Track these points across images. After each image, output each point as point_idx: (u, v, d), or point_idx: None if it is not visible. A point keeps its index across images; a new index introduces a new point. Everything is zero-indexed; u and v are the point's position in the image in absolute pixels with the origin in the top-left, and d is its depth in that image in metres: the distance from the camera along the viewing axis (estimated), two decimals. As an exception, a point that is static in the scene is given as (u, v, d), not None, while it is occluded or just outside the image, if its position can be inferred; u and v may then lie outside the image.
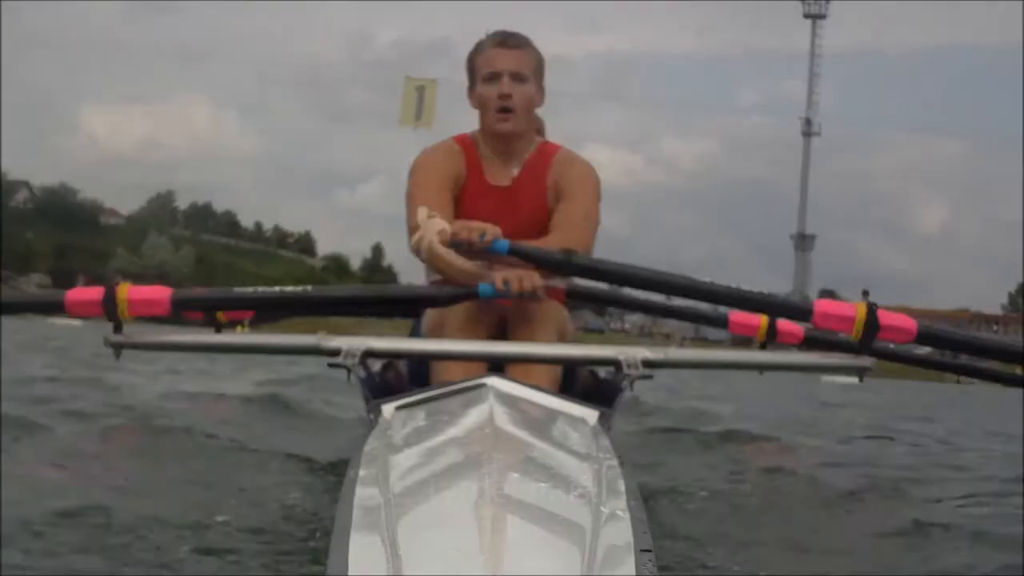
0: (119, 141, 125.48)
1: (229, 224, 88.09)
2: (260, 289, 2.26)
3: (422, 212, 2.36)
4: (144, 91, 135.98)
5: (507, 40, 2.60)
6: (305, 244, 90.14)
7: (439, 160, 2.61)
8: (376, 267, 75.30)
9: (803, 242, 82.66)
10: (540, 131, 2.78)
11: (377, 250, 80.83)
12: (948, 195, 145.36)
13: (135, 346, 2.19)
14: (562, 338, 2.45)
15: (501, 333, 2.40)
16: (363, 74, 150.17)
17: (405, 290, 2.49)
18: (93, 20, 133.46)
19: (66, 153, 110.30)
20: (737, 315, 3.05)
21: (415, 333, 2.65)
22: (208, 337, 2.72)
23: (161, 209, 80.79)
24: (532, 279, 2.22)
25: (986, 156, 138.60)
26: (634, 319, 58.18)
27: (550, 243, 2.36)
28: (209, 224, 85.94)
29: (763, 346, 3.04)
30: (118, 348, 2.18)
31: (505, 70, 2.55)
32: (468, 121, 2.66)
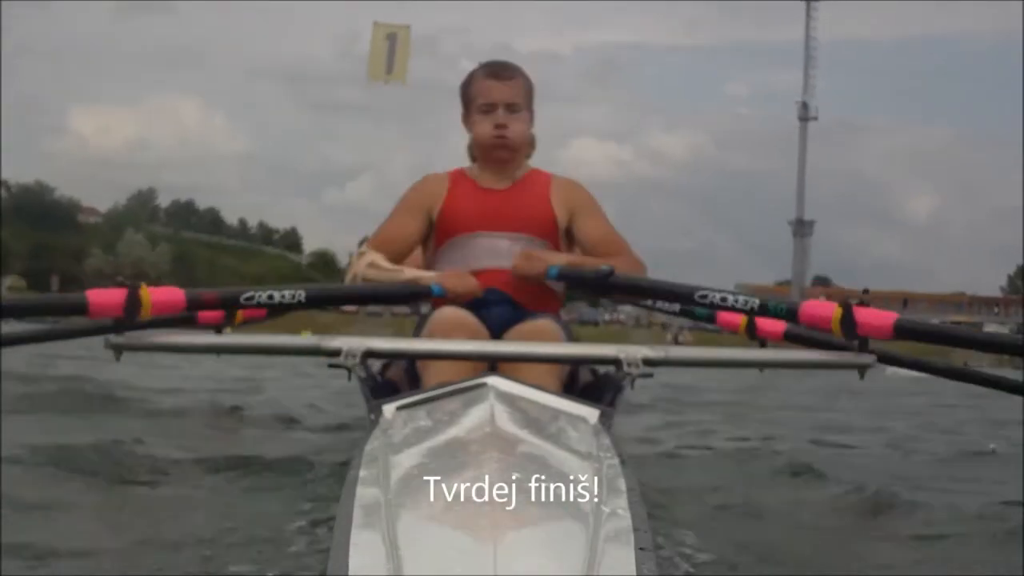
0: (108, 142, 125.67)
1: (212, 221, 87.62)
2: (256, 288, 2.27)
3: (374, 257, 2.53)
4: (133, 92, 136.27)
5: (500, 72, 2.75)
6: (291, 240, 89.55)
7: (424, 185, 2.76)
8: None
9: (801, 228, 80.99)
10: (531, 144, 2.90)
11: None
12: (938, 182, 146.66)
13: (136, 347, 2.20)
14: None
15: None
16: (352, 72, 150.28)
17: (378, 287, 2.54)
18: (81, 22, 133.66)
19: (55, 155, 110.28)
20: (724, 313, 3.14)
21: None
22: (209, 338, 2.74)
23: (141, 207, 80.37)
24: (465, 282, 2.45)
25: (975, 144, 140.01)
26: (628, 310, 57.94)
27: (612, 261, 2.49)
28: (192, 221, 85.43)
29: (762, 344, 3.07)
30: (119, 350, 2.20)
31: (500, 102, 2.71)
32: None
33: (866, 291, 2.17)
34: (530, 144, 2.86)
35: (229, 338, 2.76)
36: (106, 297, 2.12)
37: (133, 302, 2.09)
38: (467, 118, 2.82)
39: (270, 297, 2.20)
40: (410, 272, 2.54)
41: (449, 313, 2.38)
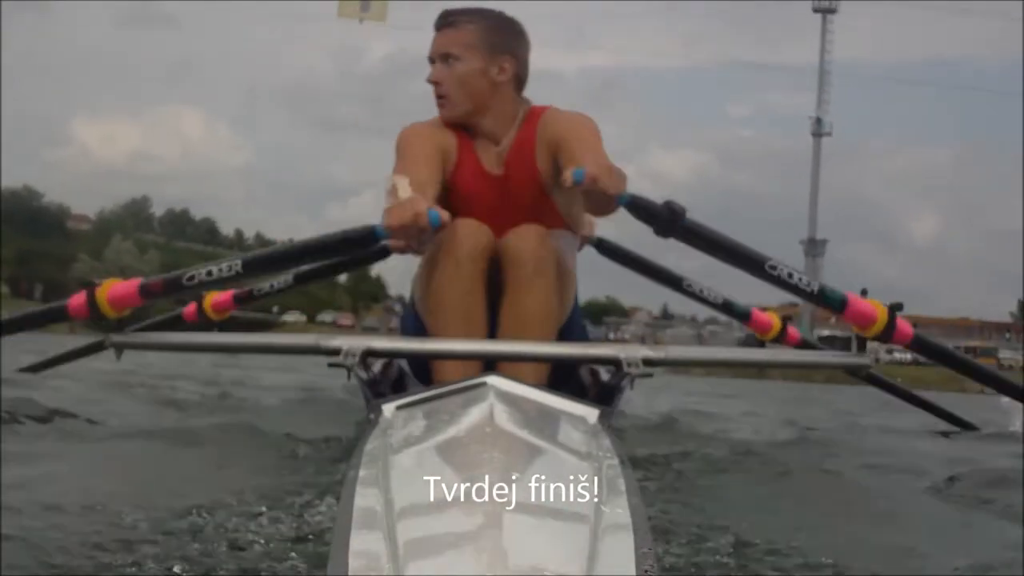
0: (111, 154, 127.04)
1: (208, 231, 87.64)
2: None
3: (401, 184, 2.21)
4: (136, 104, 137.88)
5: (441, 20, 2.53)
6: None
7: (425, 133, 2.55)
8: (363, 276, 75.10)
9: (814, 247, 78.22)
10: (524, 101, 2.68)
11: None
12: (940, 204, 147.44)
13: (136, 346, 2.24)
14: (560, 279, 2.40)
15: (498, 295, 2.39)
16: (354, 88, 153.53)
17: (316, 240, 2.26)
18: (84, 35, 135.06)
19: (58, 166, 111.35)
20: (758, 313, 3.19)
21: (406, 314, 2.67)
22: (209, 337, 2.77)
23: (134, 216, 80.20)
24: (403, 213, 2.01)
25: (977, 166, 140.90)
26: (633, 329, 57.50)
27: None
28: (187, 231, 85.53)
29: (762, 344, 3.10)
30: (119, 348, 2.22)
31: (436, 54, 2.53)
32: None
33: (864, 291, 2.20)
34: (490, 90, 2.56)
35: (229, 337, 2.78)
36: (77, 300, 2.18)
37: (92, 300, 2.14)
38: None
39: (208, 273, 2.17)
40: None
41: (461, 228, 2.29)
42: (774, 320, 3.31)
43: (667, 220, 2.06)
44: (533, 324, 2.34)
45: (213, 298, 3.29)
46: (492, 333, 2.42)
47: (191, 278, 2.17)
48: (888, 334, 2.16)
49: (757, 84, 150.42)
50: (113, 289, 2.21)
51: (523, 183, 2.56)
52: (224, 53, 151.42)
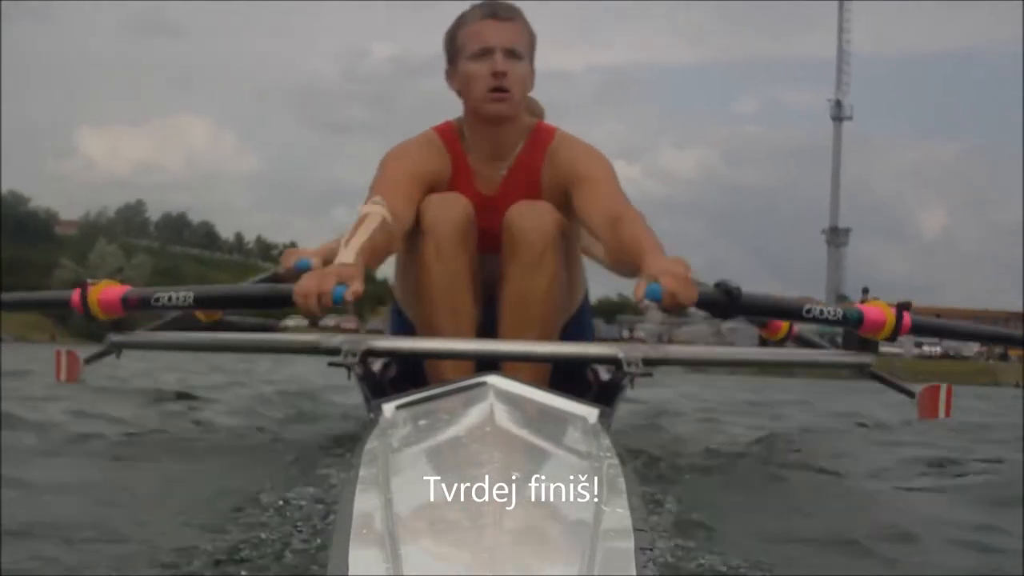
0: (117, 164, 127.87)
1: (207, 235, 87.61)
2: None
3: (369, 202, 2.17)
4: (143, 113, 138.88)
5: (499, 11, 2.38)
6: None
7: (412, 155, 2.43)
8: (368, 277, 74.74)
9: (836, 237, 77.12)
10: (535, 114, 2.65)
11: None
12: (948, 197, 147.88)
13: (136, 345, 2.28)
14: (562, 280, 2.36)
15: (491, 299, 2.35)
16: (360, 91, 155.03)
17: (246, 289, 2.55)
18: (90, 43, 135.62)
19: (65, 177, 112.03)
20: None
21: (392, 309, 2.64)
22: (208, 336, 2.82)
23: (126, 221, 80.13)
24: (322, 285, 1.87)
25: (986, 160, 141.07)
26: (648, 327, 56.94)
27: (623, 240, 2.14)
28: (184, 235, 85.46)
29: (763, 343, 3.13)
30: (119, 348, 2.26)
31: (498, 45, 2.34)
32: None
33: (865, 290, 2.26)
34: (535, 107, 2.57)
35: (229, 336, 2.81)
36: (77, 296, 2.25)
37: (84, 300, 2.21)
38: (452, 72, 2.46)
39: (169, 299, 2.26)
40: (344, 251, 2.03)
41: (436, 204, 2.27)
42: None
43: (727, 304, 2.11)
44: (536, 308, 2.27)
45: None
46: (484, 322, 2.37)
47: (157, 299, 2.27)
48: (896, 333, 2.23)
49: (765, 78, 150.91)
50: (103, 293, 2.30)
51: (525, 198, 2.42)
52: (229, 59, 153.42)
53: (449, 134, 2.49)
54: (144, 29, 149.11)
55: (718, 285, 2.11)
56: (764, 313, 2.35)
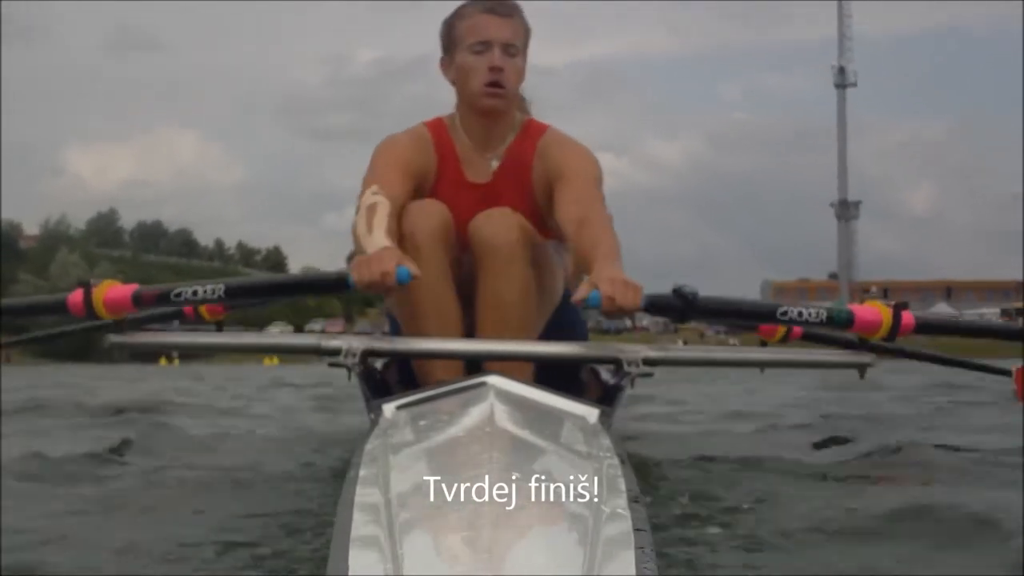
0: (104, 182, 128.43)
1: (184, 243, 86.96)
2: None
3: (368, 193, 2.28)
4: (129, 129, 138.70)
5: (498, 7, 2.47)
6: (275, 260, 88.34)
7: (402, 146, 2.51)
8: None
9: (846, 210, 72.27)
10: (524, 110, 2.71)
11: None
12: (937, 173, 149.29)
13: (136, 345, 2.30)
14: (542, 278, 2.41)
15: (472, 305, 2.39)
16: (345, 95, 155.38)
17: (295, 278, 2.53)
18: (78, 60, 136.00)
19: (53, 196, 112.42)
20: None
21: (392, 323, 2.68)
22: (209, 336, 2.83)
23: (98, 232, 79.21)
24: (371, 270, 2.01)
25: (974, 134, 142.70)
26: (652, 317, 56.63)
27: (583, 244, 2.24)
28: (161, 244, 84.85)
29: (763, 343, 3.17)
30: (120, 348, 2.29)
31: (497, 40, 2.43)
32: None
33: (867, 290, 2.30)
34: (523, 102, 2.63)
35: (229, 336, 2.84)
36: (75, 297, 2.27)
37: (88, 300, 2.23)
38: (448, 62, 2.52)
39: (194, 293, 2.27)
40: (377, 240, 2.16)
41: (415, 211, 2.32)
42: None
43: (682, 308, 2.18)
44: (511, 311, 2.32)
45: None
46: (470, 323, 2.41)
47: (179, 294, 2.27)
48: (894, 334, 2.26)
49: (747, 65, 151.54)
50: (110, 292, 2.30)
51: (514, 194, 2.51)
52: (212, 71, 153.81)
53: (438, 127, 2.57)
54: (127, 46, 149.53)
55: (675, 291, 2.19)
56: (726, 316, 2.36)
